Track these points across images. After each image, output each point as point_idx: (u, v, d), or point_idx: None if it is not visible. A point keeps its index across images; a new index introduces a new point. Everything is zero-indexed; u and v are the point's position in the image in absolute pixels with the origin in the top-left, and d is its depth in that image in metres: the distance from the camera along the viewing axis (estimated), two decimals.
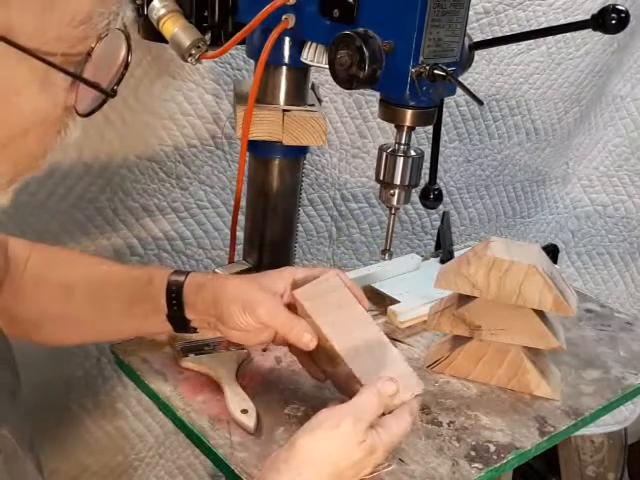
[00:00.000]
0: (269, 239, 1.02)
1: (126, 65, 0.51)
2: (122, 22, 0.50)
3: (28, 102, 0.47)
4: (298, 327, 0.73)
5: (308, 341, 0.73)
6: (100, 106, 0.51)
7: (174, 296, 0.77)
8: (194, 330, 0.80)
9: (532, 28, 1.43)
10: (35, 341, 0.82)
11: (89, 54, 0.48)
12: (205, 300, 0.76)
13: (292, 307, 0.76)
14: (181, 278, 0.78)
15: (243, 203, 1.01)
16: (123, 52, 0.51)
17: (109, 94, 0.50)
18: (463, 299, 0.85)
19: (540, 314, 0.83)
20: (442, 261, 1.14)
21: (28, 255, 0.80)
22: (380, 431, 0.65)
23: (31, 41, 0.45)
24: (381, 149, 0.84)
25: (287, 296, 0.77)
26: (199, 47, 0.87)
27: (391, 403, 0.68)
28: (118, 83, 0.51)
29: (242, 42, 0.88)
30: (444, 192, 1.01)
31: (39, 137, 0.50)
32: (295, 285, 0.77)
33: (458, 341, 0.87)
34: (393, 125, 0.82)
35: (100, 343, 1.14)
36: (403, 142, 0.82)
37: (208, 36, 0.91)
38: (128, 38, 0.51)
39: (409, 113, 0.79)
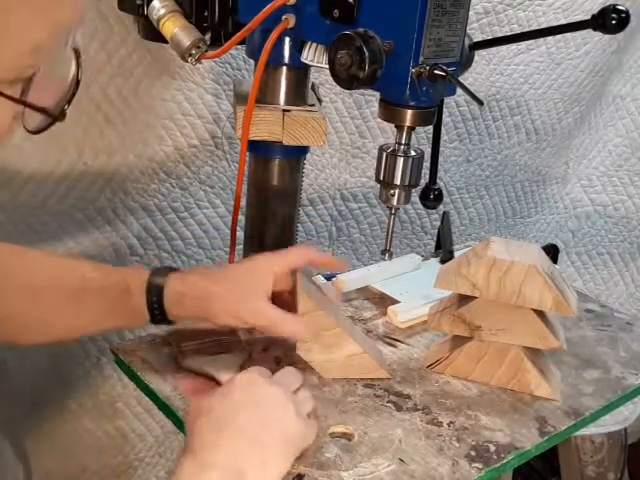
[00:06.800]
0: (269, 239, 1.02)
1: (77, 83, 0.49)
2: (74, 42, 0.48)
3: None
4: (288, 324, 0.78)
5: (302, 334, 0.79)
6: (49, 126, 0.49)
7: (156, 307, 0.78)
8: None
9: (532, 28, 1.43)
10: None
11: (33, 75, 0.47)
12: (187, 309, 0.79)
13: (276, 297, 0.80)
14: (160, 283, 0.78)
15: (243, 203, 1.01)
16: (73, 71, 0.49)
17: (57, 118, 0.49)
18: (463, 299, 0.85)
19: (540, 314, 0.83)
20: (442, 261, 1.14)
21: None
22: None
23: None
24: (381, 149, 0.84)
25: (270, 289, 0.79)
26: (199, 47, 0.87)
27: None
28: (69, 103, 0.49)
29: (242, 42, 0.88)
30: (444, 192, 1.01)
31: None
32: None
33: (458, 341, 0.87)
34: (393, 125, 0.82)
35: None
36: (403, 142, 0.82)
37: (208, 36, 0.91)
38: (79, 57, 0.49)
39: (409, 113, 0.79)
